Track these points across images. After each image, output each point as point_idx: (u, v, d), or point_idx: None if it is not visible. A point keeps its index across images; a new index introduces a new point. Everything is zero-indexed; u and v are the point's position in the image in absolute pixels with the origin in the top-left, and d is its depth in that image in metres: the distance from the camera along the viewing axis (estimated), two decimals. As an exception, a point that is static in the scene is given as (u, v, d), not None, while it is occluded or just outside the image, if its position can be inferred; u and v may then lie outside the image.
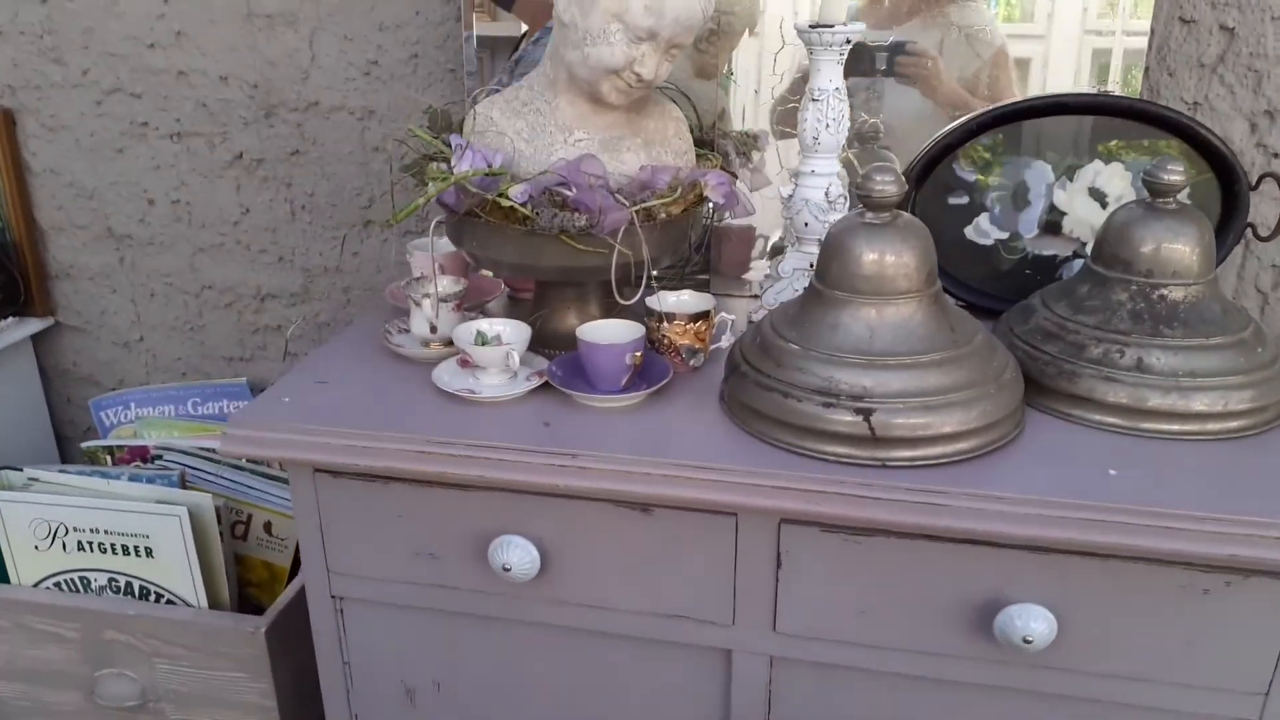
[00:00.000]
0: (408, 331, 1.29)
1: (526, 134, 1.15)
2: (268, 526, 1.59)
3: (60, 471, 1.52)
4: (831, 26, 1.20)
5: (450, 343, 1.24)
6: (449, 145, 1.17)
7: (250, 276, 1.75)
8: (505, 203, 1.08)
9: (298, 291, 1.75)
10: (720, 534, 1.02)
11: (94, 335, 1.86)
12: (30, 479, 1.52)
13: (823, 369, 0.99)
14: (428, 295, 1.21)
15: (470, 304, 1.32)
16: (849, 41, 1.20)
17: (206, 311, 1.80)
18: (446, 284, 1.25)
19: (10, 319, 1.78)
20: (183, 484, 1.51)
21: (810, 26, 1.20)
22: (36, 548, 1.48)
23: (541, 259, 1.12)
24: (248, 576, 1.63)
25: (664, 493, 0.99)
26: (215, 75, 1.62)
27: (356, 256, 1.70)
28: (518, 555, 1.06)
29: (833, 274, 1.03)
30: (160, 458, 1.64)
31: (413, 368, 1.21)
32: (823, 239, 1.07)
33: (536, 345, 1.19)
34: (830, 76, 1.23)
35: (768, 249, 1.47)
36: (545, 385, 1.13)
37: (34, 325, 1.82)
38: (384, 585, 1.15)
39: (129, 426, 1.76)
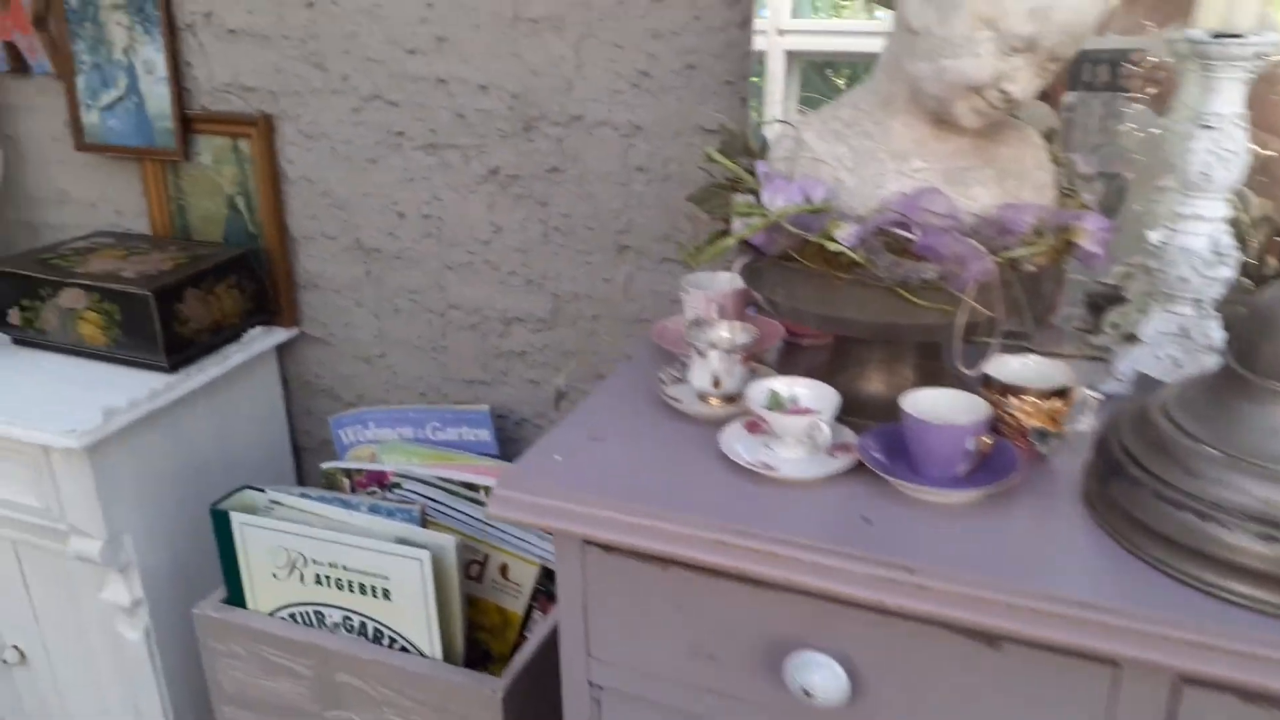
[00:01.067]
0: (683, 381, 1.13)
1: (850, 161, 0.95)
2: (504, 569, 1.48)
3: (301, 495, 1.46)
4: (1240, 36, 0.95)
5: (734, 398, 1.07)
6: (751, 173, 1.00)
7: (497, 298, 1.65)
8: (832, 246, 0.89)
9: (545, 318, 1.63)
10: (1091, 685, 0.80)
11: (337, 348, 1.82)
12: (272, 501, 1.46)
13: (1260, 487, 0.75)
14: (714, 346, 1.05)
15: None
16: (1261, 56, 0.95)
17: (450, 332, 1.71)
18: (734, 333, 1.07)
19: (258, 328, 1.76)
20: (423, 520, 1.41)
21: (1213, 36, 0.95)
22: (275, 575, 1.42)
23: (863, 313, 0.93)
24: (479, 619, 1.52)
25: (1022, 629, 0.78)
26: (475, 84, 1.52)
27: (608, 284, 1.57)
28: (822, 679, 0.87)
29: (1265, 359, 0.79)
30: (399, 486, 1.56)
31: (693, 427, 1.05)
32: (1203, 300, 0.83)
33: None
34: (1231, 98, 0.97)
35: (1082, 296, 1.21)
36: (855, 463, 0.94)
37: (280, 335, 1.80)
38: (651, 681, 0.99)
39: (367, 447, 1.70)
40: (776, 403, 1.00)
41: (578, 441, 1.03)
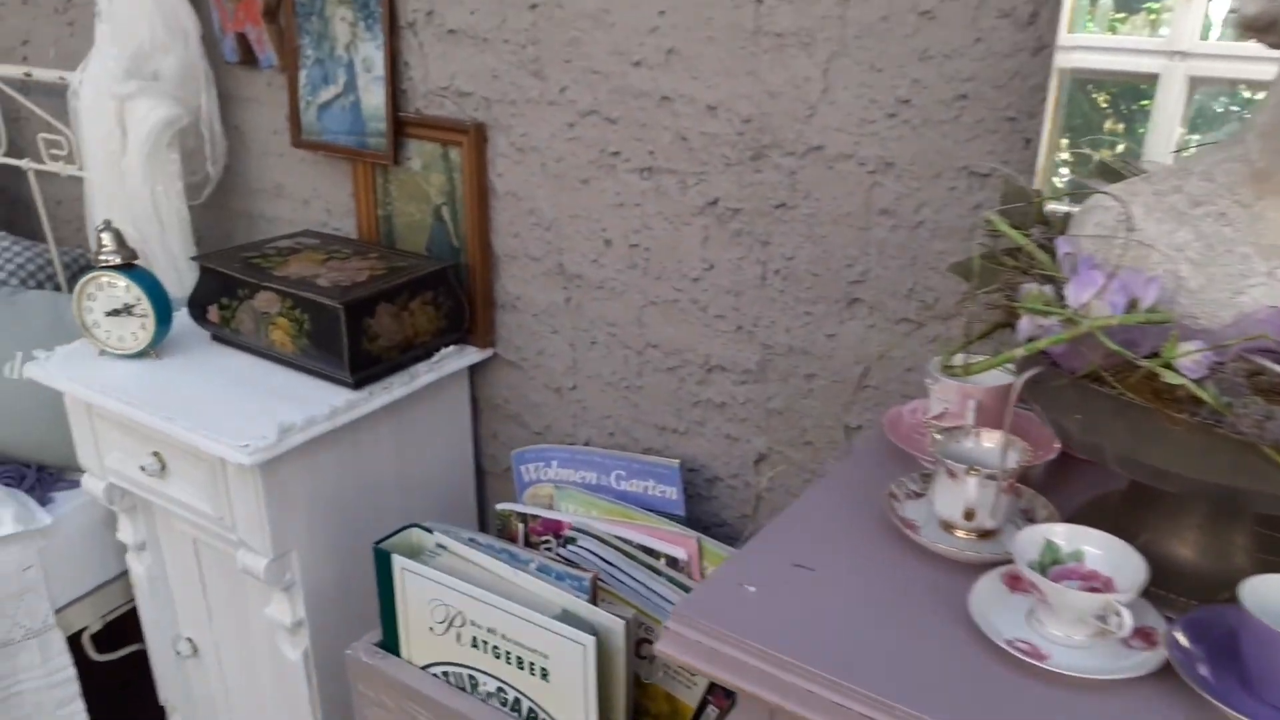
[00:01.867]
0: (921, 497, 0.90)
1: (1196, 254, 0.70)
2: (678, 658, 1.29)
3: (470, 542, 1.33)
4: None
5: (991, 533, 0.83)
6: (1047, 250, 0.76)
7: (701, 342, 1.47)
8: (1169, 377, 0.64)
9: (752, 369, 1.43)
10: None
11: (528, 374, 1.69)
12: (439, 546, 1.34)
13: None
14: (970, 469, 0.81)
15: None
16: None
17: (647, 372, 1.54)
18: (999, 449, 0.84)
19: (453, 347, 1.65)
20: (594, 591, 1.25)
21: None
22: (431, 629, 1.30)
23: (1198, 468, 0.67)
24: (645, 705, 1.35)
25: None
26: (703, 104, 1.34)
27: (832, 340, 1.35)
28: None
29: None
30: (574, 541, 1.41)
31: (934, 567, 0.82)
32: None
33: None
34: None
35: None
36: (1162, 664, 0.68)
37: (473, 355, 1.69)
38: None
39: (546, 487, 1.56)
40: (1053, 557, 0.76)
41: (777, 567, 0.83)
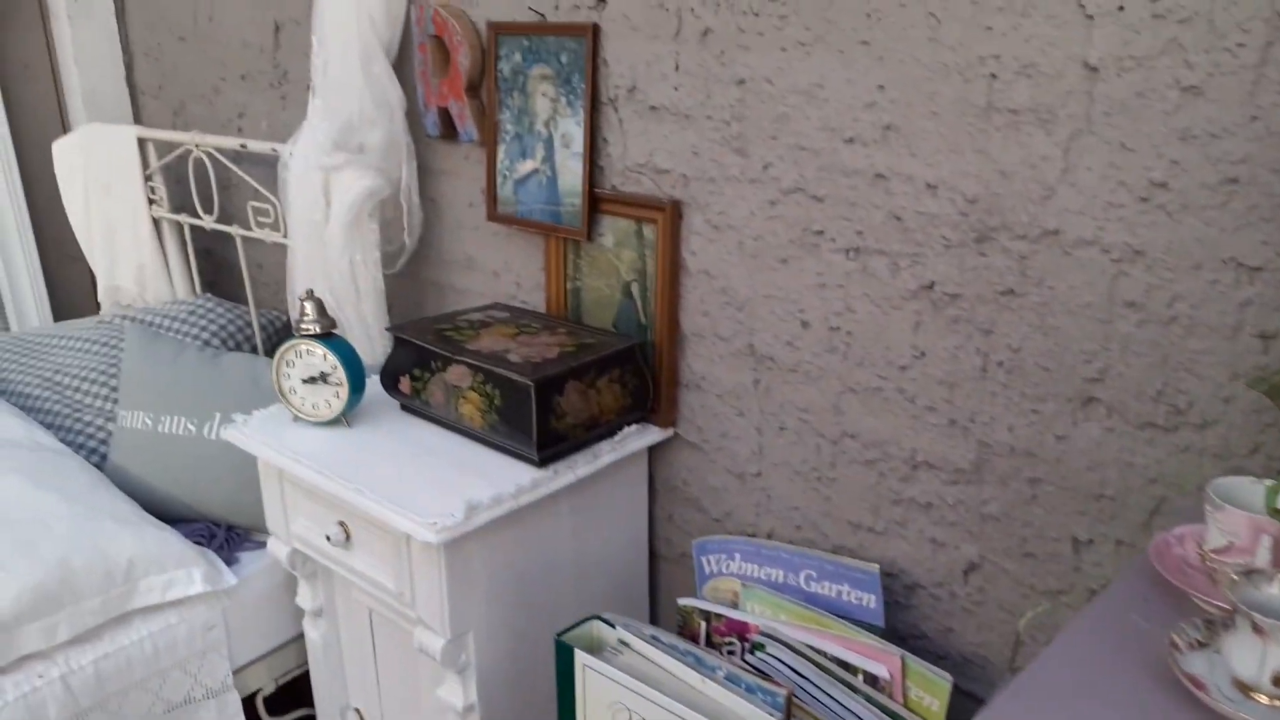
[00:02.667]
0: (1205, 646, 0.77)
1: None
2: (878, 789, 1.17)
3: (653, 640, 1.26)
4: None
5: (1302, 704, 0.69)
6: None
7: (907, 435, 1.36)
8: None
9: (965, 468, 1.31)
10: None
11: (710, 457, 1.62)
12: (621, 642, 1.27)
13: None
14: (1261, 632, 0.68)
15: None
16: None
17: (842, 464, 1.44)
18: (1321, 604, 0.70)
19: (635, 425, 1.60)
20: (788, 710, 1.14)
21: None
22: (612, 732, 1.23)
23: None
24: (837, 836, 1.22)
25: None
26: (921, 182, 1.25)
27: (1062, 442, 1.21)
28: None
29: None
30: (763, 648, 1.31)
31: (1235, 742, 0.69)
32: None
33: None
34: None
35: None
36: None
37: (654, 435, 1.63)
38: None
39: (729, 581, 1.47)
40: (1405, 748, 0.62)
41: (1048, 727, 0.71)
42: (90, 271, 2.73)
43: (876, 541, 1.44)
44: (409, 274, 2.00)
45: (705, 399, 1.60)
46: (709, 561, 1.51)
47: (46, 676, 1.57)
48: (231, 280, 2.53)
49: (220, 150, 2.17)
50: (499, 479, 1.44)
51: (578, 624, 1.30)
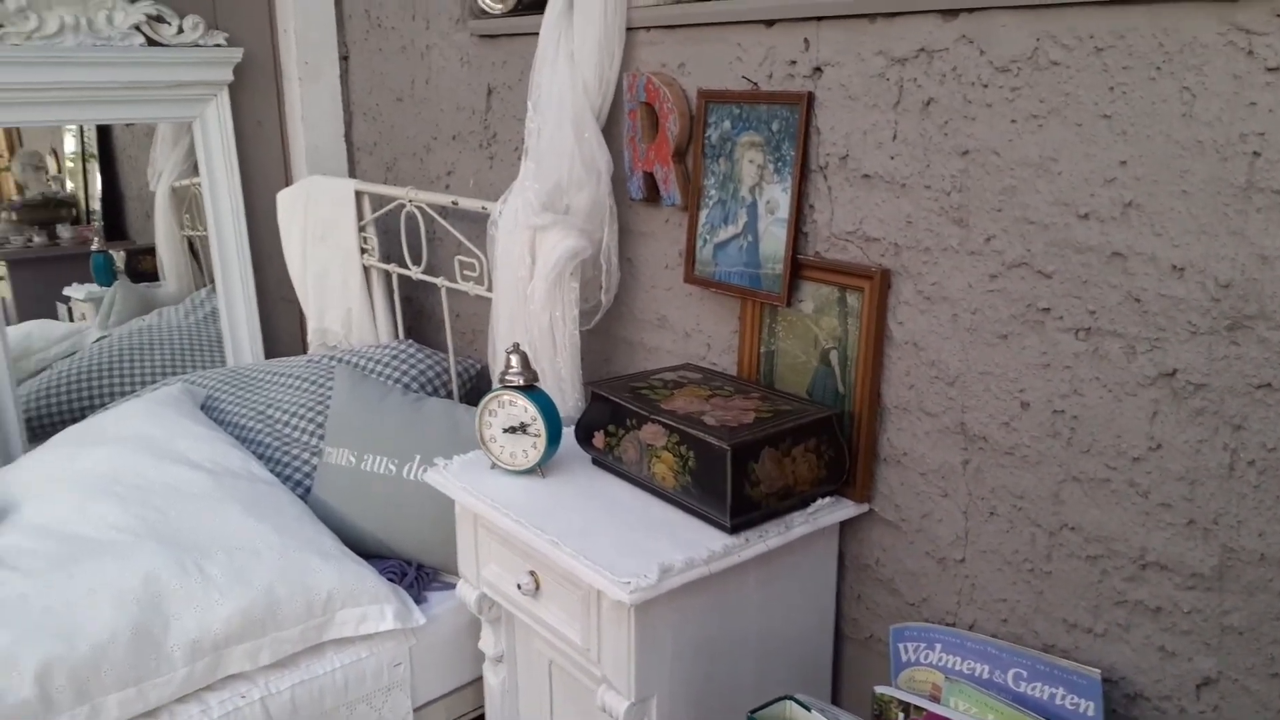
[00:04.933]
0: None
1: None
2: None
3: (849, 727, 1.20)
4: None
5: None
6: None
7: (1136, 532, 1.26)
8: None
9: (1205, 574, 1.20)
10: None
11: (908, 538, 1.55)
12: (816, 726, 1.22)
13: None
14: None
15: None
16: None
17: (1058, 557, 1.35)
18: None
19: (828, 498, 1.56)
20: (1001, 820, 1.06)
21: None
22: (804, 821, 1.17)
23: None
24: None
25: None
26: (1167, 263, 1.18)
27: (1326, 554, 1.10)
28: None
29: None
30: (966, 747, 1.23)
31: None
32: None
33: None
34: None
35: None
36: None
37: (848, 509, 1.58)
38: None
39: (927, 673, 1.39)
40: None
41: None
42: (300, 313, 2.92)
43: (1095, 644, 1.34)
44: (602, 330, 2.03)
45: (906, 475, 1.54)
46: (906, 649, 1.44)
47: (248, 698, 1.65)
48: (430, 327, 2.64)
49: (431, 205, 2.29)
50: (688, 542, 1.43)
51: (770, 702, 1.26)
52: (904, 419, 1.52)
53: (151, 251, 4.31)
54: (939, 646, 1.40)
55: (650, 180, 1.83)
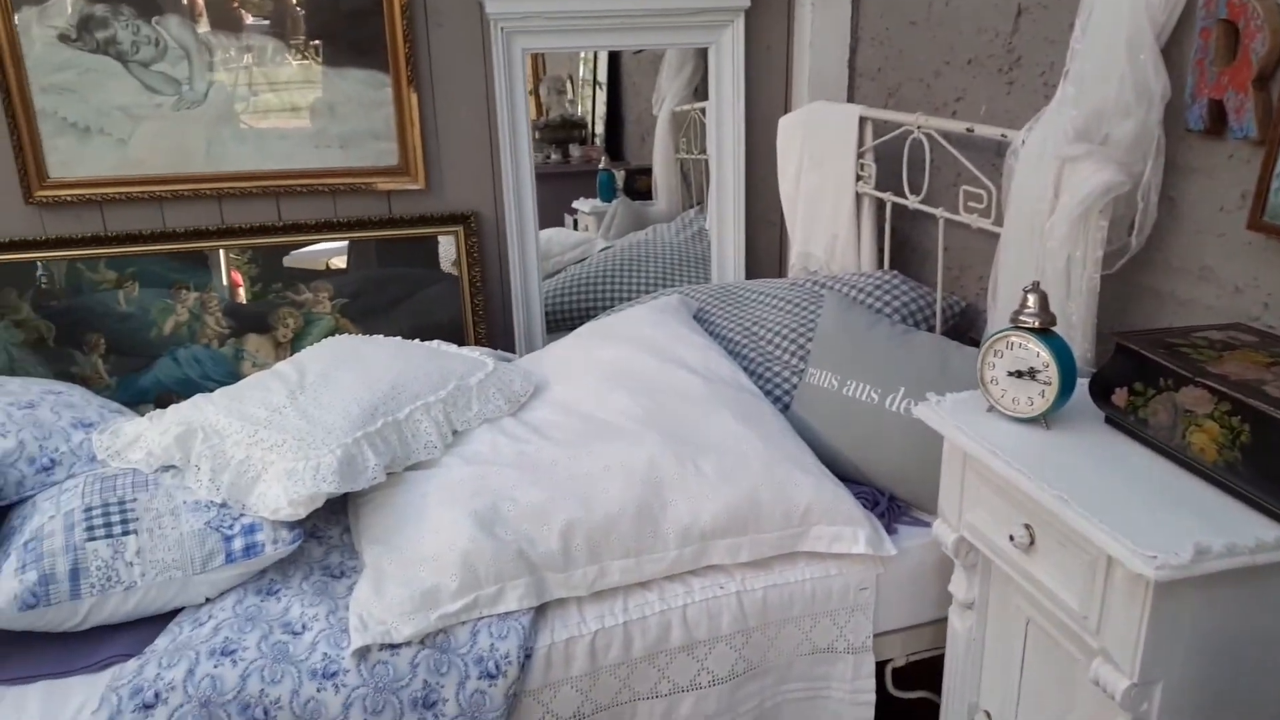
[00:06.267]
0: None
1: None
2: None
3: None
4: None
5: None
6: None
7: None
8: None
9: None
10: None
11: None
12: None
13: None
14: None
15: None
16: None
17: None
18: None
19: None
20: None
21: None
22: None
23: None
24: None
25: None
26: None
27: None
28: None
29: None
30: None
31: None
32: None
33: None
34: None
35: None
36: None
37: None
38: None
39: None
40: None
41: None
42: (780, 236, 3.01)
43: None
44: (1123, 276, 1.84)
45: None
46: None
47: (725, 589, 1.77)
48: (913, 259, 2.59)
49: (941, 132, 2.21)
50: (1226, 526, 1.25)
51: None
52: None
53: (647, 172, 4.70)
54: None
55: (1217, 109, 1.59)
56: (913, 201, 2.32)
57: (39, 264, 2.48)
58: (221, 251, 2.60)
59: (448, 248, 2.74)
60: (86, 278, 2.51)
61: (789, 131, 2.72)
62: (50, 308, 2.50)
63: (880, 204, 2.49)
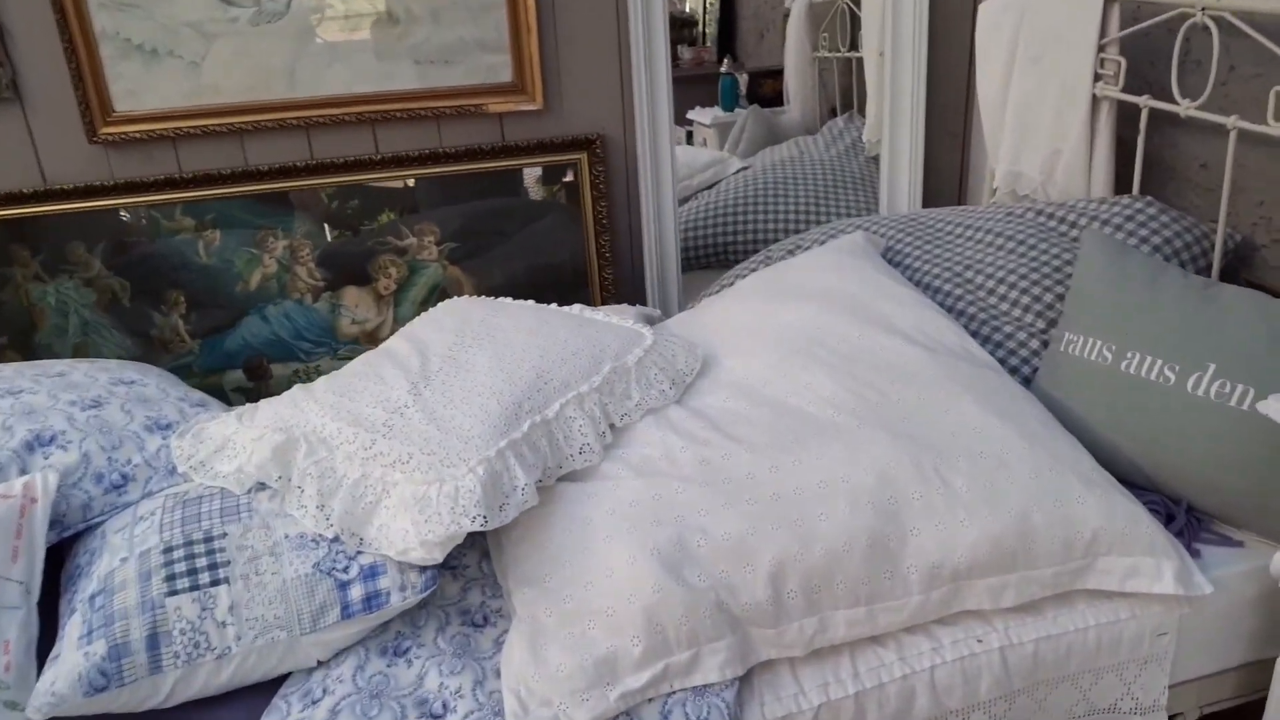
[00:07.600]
0: None
1: None
2: None
3: None
4: None
5: None
6: None
7: None
8: None
9: None
10: None
11: None
12: None
13: None
14: None
15: None
16: None
17: None
18: None
19: None
20: None
21: None
22: None
23: None
24: None
25: None
26: None
27: None
28: None
29: None
30: None
31: None
32: None
33: None
34: None
35: None
36: None
37: None
38: None
39: None
40: None
41: None
42: (961, 152, 2.49)
43: None
44: None
45: None
46: None
47: (986, 644, 1.34)
48: (1167, 181, 2.04)
49: (1239, 13, 1.65)
50: None
51: None
52: None
53: (771, 74, 4.10)
54: None
55: None
56: (1186, 107, 1.77)
57: (113, 212, 2.12)
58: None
59: (565, 177, 2.30)
60: (163, 226, 2.15)
61: (995, 18, 2.17)
62: (123, 263, 2.15)
63: (1125, 111, 1.95)
